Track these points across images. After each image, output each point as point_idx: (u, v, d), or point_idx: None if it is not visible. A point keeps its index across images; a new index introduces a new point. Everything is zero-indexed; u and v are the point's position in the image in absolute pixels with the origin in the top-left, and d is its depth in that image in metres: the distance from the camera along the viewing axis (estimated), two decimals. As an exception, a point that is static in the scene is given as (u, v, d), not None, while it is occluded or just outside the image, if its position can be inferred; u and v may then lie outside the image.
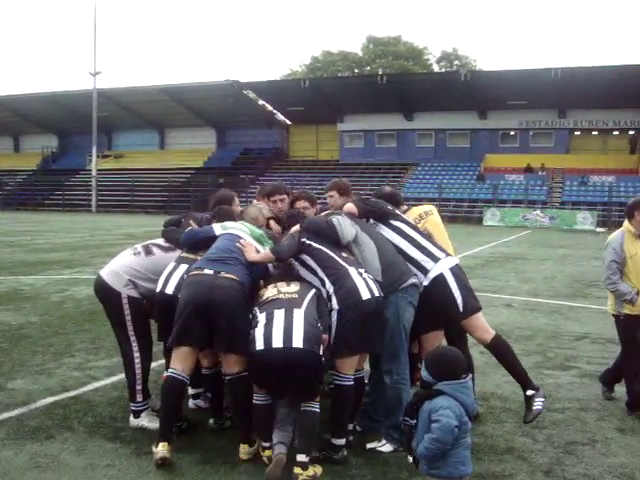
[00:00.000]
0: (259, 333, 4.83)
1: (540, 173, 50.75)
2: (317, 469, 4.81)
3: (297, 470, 4.71)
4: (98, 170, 57.96)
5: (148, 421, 5.72)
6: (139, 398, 5.77)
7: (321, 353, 4.84)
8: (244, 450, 5.07)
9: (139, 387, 5.75)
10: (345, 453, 5.08)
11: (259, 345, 4.79)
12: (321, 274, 5.23)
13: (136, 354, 5.71)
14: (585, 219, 42.65)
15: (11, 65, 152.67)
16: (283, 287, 5.20)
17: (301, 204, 6.47)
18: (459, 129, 56.26)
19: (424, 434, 3.82)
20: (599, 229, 40.45)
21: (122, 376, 7.08)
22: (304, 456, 4.77)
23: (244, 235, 5.54)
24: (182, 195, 53.60)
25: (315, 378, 4.90)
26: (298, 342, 4.71)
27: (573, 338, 9.65)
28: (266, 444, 5.08)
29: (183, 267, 5.46)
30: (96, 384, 7.00)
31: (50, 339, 9.00)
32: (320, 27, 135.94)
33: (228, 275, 5.10)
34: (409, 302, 5.30)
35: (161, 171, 60.27)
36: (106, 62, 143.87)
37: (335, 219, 5.39)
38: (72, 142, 69.66)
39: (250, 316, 5.02)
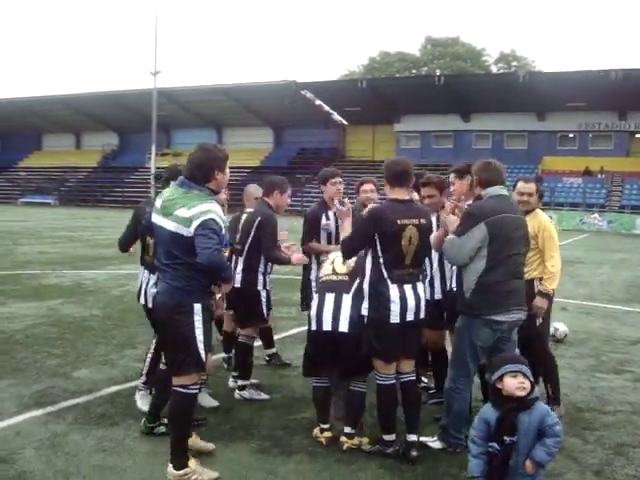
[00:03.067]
0: (312, 313, 5.37)
1: (599, 176, 49.95)
2: (363, 439, 5.34)
3: (343, 439, 5.34)
4: (157, 168, 58.86)
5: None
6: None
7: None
8: (169, 471, 4.74)
9: None
10: (396, 448, 5.25)
11: (312, 326, 5.36)
12: None
13: None
14: (645, 224, 41.93)
15: (74, 65, 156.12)
16: (338, 265, 5.51)
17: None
18: (517, 131, 55.69)
19: (533, 444, 3.86)
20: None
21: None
22: (349, 428, 5.37)
23: None
24: (239, 194, 53.97)
25: (362, 358, 5.23)
26: (344, 327, 5.17)
27: (627, 342, 9.62)
28: (324, 426, 5.49)
29: None
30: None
31: (112, 331, 9.34)
32: (378, 28, 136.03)
33: None
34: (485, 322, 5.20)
35: (218, 170, 60.92)
36: (166, 61, 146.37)
37: None
38: (132, 140, 70.87)
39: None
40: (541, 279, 6.20)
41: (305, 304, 7.06)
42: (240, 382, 6.66)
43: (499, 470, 3.88)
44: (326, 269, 5.66)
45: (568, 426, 5.96)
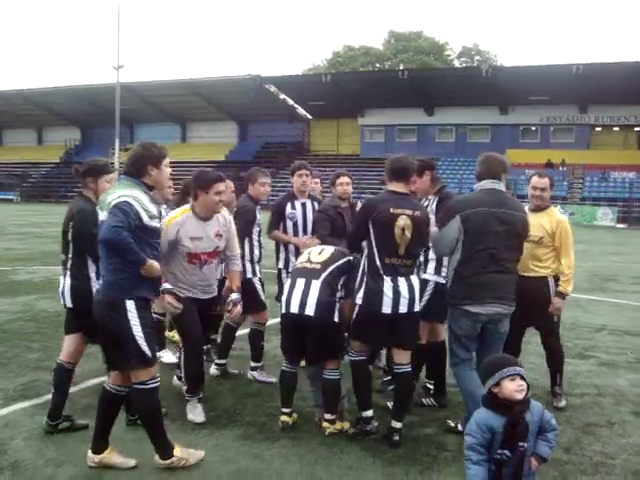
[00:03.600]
0: (283, 298, 5.64)
1: (560, 169, 50.71)
2: (345, 424, 5.58)
3: (325, 425, 5.59)
4: (121, 163, 58.51)
5: None
6: None
7: (336, 320, 5.47)
8: (157, 461, 4.88)
9: None
10: (376, 424, 5.50)
11: (282, 309, 5.64)
12: None
13: None
14: (605, 215, 42.67)
15: (35, 59, 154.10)
16: (314, 255, 5.76)
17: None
18: (480, 124, 56.31)
19: (535, 441, 3.87)
20: (619, 225, 40.52)
21: (164, 359, 7.55)
22: (330, 415, 5.59)
23: None
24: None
25: (328, 343, 5.51)
26: (310, 310, 5.41)
27: (592, 330, 9.95)
28: (285, 410, 5.73)
29: None
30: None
31: (89, 325, 9.40)
32: (342, 22, 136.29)
33: None
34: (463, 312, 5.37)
35: (183, 164, 60.49)
36: (129, 56, 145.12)
37: None
38: (95, 135, 70.31)
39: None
40: (555, 277, 6.40)
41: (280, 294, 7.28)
42: (252, 364, 7.08)
43: (515, 476, 3.78)
44: (302, 257, 5.91)
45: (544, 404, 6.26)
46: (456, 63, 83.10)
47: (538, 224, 6.23)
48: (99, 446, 4.86)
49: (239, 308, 5.95)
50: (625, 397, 6.74)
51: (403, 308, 5.31)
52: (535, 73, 48.45)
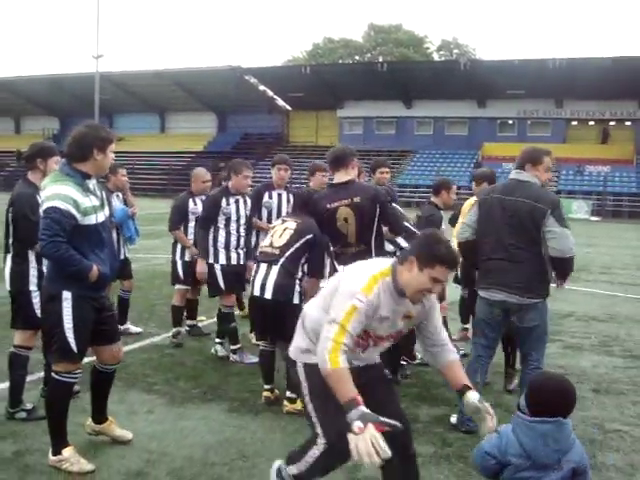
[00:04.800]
0: (251, 280, 6.06)
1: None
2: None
3: (286, 402, 5.90)
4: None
5: None
6: None
7: (295, 302, 5.84)
8: (49, 456, 4.77)
9: None
10: None
11: (250, 292, 6.08)
12: None
13: None
14: (580, 208, 43.29)
15: (13, 47, 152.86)
16: (276, 238, 6.05)
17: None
18: (458, 117, 56.74)
19: None
20: (593, 218, 41.23)
21: (150, 340, 7.94)
22: (289, 392, 5.87)
23: None
24: (183, 179, 53.99)
25: (288, 324, 5.57)
26: (268, 294, 5.82)
27: (559, 316, 10.39)
28: (266, 386, 6.13)
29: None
30: (126, 348, 7.72)
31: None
32: (322, 14, 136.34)
33: None
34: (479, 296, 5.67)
35: (162, 154, 60.71)
36: (109, 45, 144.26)
37: None
38: (73, 124, 66.65)
39: None
40: None
41: None
42: (231, 347, 7.51)
43: None
44: (266, 241, 6.21)
45: (503, 387, 6.79)
46: (435, 56, 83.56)
47: None
48: (100, 418, 5.11)
49: None
50: (587, 376, 7.19)
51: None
52: (512, 67, 48.98)
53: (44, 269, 5.11)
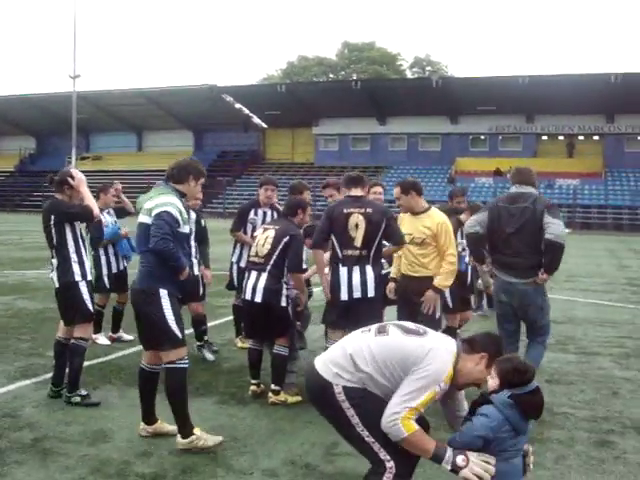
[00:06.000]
0: (243, 286, 6.79)
1: (508, 176, 52.15)
2: (288, 397, 6.54)
3: (270, 394, 6.54)
4: (81, 172, 58.55)
5: None
6: None
7: (283, 304, 6.62)
8: (178, 440, 5.36)
9: None
10: None
11: (242, 296, 6.85)
12: None
13: None
14: (550, 220, 44.19)
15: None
16: (260, 247, 6.77)
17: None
18: (431, 133, 57.99)
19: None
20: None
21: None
22: (275, 385, 6.57)
23: None
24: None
25: (276, 324, 6.65)
26: (258, 297, 6.56)
27: (522, 320, 11.14)
28: (253, 381, 6.82)
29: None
30: (121, 352, 8.44)
31: (71, 320, 10.34)
32: (296, 33, 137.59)
33: None
34: None
35: (139, 173, 61.02)
36: (86, 65, 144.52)
37: None
38: (50, 144, 70.28)
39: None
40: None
41: (230, 283, 8.94)
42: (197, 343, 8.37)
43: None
44: (252, 250, 6.94)
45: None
46: (408, 73, 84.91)
47: (421, 226, 6.69)
48: (150, 419, 5.67)
49: None
50: (542, 370, 7.86)
51: (357, 294, 6.42)
52: (484, 84, 50.34)
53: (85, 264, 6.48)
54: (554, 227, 6.40)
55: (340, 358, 3.92)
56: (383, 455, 3.78)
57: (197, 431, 5.36)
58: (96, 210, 6.45)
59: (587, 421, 6.26)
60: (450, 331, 7.31)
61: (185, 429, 5.33)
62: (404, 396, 3.67)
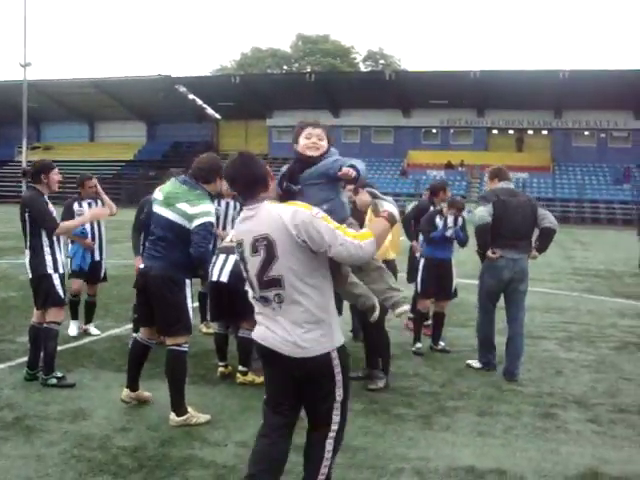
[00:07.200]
0: (210, 269, 7.00)
1: (459, 169, 53.47)
2: (255, 378, 6.76)
3: (238, 375, 6.94)
4: (27, 162, 57.97)
5: None
6: None
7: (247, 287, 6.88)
8: (172, 418, 5.76)
9: None
10: None
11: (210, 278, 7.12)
12: None
13: None
14: (500, 213, 45.20)
15: None
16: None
17: None
18: (383, 126, 58.69)
19: None
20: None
21: (112, 332, 8.88)
22: (242, 367, 6.92)
23: None
24: (113, 187, 54.25)
25: (241, 307, 6.65)
26: (224, 277, 6.88)
27: (473, 306, 11.61)
28: (221, 363, 7.22)
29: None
30: (91, 338, 8.71)
31: (36, 308, 10.54)
32: (250, 24, 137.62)
33: None
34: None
35: (91, 163, 60.42)
36: (37, 53, 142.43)
37: None
38: (0, 132, 69.22)
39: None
40: None
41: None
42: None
43: None
44: (227, 238, 7.27)
45: (423, 359, 8.14)
46: (362, 66, 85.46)
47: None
48: (134, 386, 6.13)
49: None
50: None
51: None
52: (436, 78, 51.02)
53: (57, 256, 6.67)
54: (551, 217, 7.67)
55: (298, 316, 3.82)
56: (335, 414, 3.75)
57: (191, 410, 5.80)
58: (61, 230, 6.76)
59: (533, 397, 6.80)
60: (438, 316, 8.90)
61: (181, 408, 5.74)
62: (332, 240, 3.58)
